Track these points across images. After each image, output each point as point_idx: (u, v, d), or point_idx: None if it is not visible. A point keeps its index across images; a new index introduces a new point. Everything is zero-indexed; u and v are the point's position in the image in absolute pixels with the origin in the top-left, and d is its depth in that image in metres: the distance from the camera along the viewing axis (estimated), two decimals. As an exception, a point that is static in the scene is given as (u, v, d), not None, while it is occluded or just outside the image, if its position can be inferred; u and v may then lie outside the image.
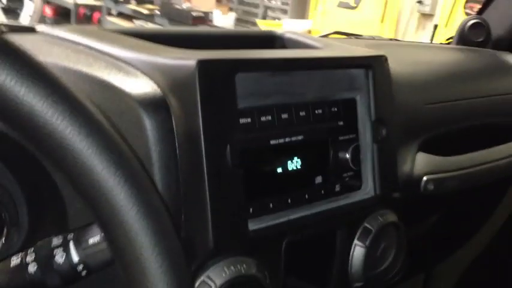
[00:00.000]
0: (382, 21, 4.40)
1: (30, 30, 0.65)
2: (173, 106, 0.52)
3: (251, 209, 0.59)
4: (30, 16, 5.39)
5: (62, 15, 6.73)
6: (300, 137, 0.64)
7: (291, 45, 0.81)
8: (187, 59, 0.53)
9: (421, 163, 0.84)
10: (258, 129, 0.60)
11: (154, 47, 0.58)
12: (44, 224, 0.58)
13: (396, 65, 0.89)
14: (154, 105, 0.52)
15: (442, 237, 1.28)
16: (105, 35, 0.62)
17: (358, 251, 0.69)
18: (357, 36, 1.25)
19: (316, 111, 0.66)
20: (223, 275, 0.54)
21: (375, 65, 0.70)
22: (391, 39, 1.30)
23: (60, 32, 0.62)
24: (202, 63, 0.52)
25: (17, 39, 0.63)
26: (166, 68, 0.54)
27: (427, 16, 4.39)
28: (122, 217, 0.35)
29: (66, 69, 0.53)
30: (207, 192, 0.52)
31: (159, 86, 0.53)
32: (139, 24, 5.08)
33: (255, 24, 4.98)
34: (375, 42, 1.10)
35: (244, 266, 0.55)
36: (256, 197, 0.60)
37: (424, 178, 0.83)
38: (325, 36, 1.22)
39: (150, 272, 0.36)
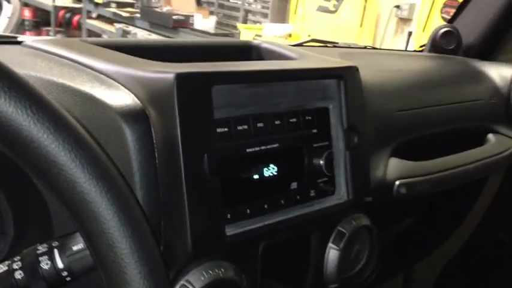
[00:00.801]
0: (361, 26, 4.46)
1: (14, 42, 0.67)
2: (152, 117, 0.55)
3: (229, 215, 0.62)
4: (8, 18, 5.33)
5: (41, 18, 6.68)
6: (275, 145, 0.67)
7: (267, 55, 0.84)
8: (166, 73, 0.55)
9: (393, 168, 0.88)
10: (235, 138, 0.62)
11: (134, 60, 0.60)
12: (29, 231, 0.60)
13: (368, 73, 0.92)
14: (134, 116, 0.54)
15: (418, 239, 1.32)
16: (87, 48, 0.64)
17: (332, 253, 0.72)
18: (333, 43, 1.28)
19: (291, 120, 0.69)
20: (202, 278, 0.56)
21: (346, 75, 0.73)
22: (366, 47, 1.33)
23: (43, 44, 0.64)
24: (180, 77, 0.55)
25: (1, 51, 0.65)
26: (146, 81, 0.56)
27: (405, 21, 4.47)
28: (103, 226, 0.38)
29: (50, 82, 0.55)
30: (185, 200, 0.55)
31: (139, 98, 0.56)
32: (119, 27, 5.07)
33: (235, 27, 5.01)
34: (349, 51, 1.14)
35: (222, 269, 0.58)
36: (233, 203, 0.62)
37: (397, 182, 0.87)
38: (302, 44, 1.25)
39: (130, 277, 0.39)
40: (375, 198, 0.84)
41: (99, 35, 5.71)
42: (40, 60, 0.61)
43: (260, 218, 0.65)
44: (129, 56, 0.62)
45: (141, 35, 4.68)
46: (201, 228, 0.56)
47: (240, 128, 0.63)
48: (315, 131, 0.72)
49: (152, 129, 0.55)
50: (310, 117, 0.71)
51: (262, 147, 0.66)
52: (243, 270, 0.61)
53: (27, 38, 0.66)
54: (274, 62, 0.79)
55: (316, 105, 0.71)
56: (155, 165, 0.55)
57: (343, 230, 0.72)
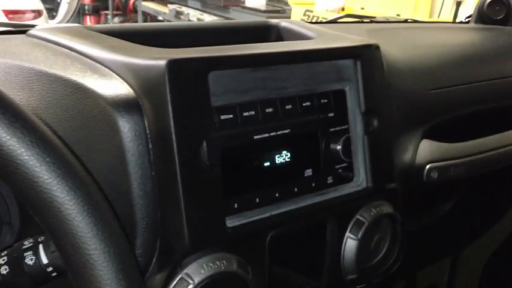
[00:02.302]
0: (417, -3, 4.26)
1: (21, 32, 0.67)
2: (145, 107, 0.53)
3: (236, 205, 0.59)
4: (67, 3, 5.48)
5: (100, 2, 6.85)
6: (286, 131, 0.64)
7: (286, 35, 0.80)
8: (157, 59, 0.53)
9: (424, 151, 0.82)
10: (241, 125, 0.60)
11: (130, 47, 0.59)
12: (35, 222, 0.61)
13: (399, 50, 0.87)
14: (127, 106, 0.52)
15: (462, 223, 1.25)
16: (88, 35, 0.62)
17: (350, 243, 0.68)
18: (370, 18, 1.22)
19: (304, 104, 0.65)
20: (202, 271, 0.55)
21: (363, 54, 0.68)
22: (407, 21, 1.26)
23: (46, 33, 0.64)
24: (172, 63, 0.52)
25: (5, 42, 0.65)
26: (138, 69, 0.54)
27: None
28: (65, 226, 0.36)
29: (42, 73, 0.54)
30: (181, 191, 0.53)
31: (131, 87, 0.54)
32: (172, 8, 5.11)
33: (287, 4, 4.92)
34: (382, 26, 1.07)
35: (224, 262, 0.56)
36: (239, 193, 0.60)
37: (427, 166, 0.81)
38: (336, 20, 1.20)
39: (98, 279, 0.37)
40: (403, 184, 0.79)
41: (154, 17, 5.79)
42: (38, 49, 0.60)
43: (268, 208, 0.62)
44: (129, 43, 0.60)
45: (193, 15, 4.69)
46: (199, 220, 0.54)
47: (246, 114, 0.60)
48: (331, 114, 0.68)
49: (145, 119, 0.53)
50: (325, 101, 0.67)
51: (272, 134, 0.63)
52: (248, 262, 0.59)
53: (35, 30, 0.65)
54: (284, 43, 0.75)
55: (331, 87, 0.67)
56: (149, 156, 0.53)
57: (362, 219, 0.68)
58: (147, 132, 0.53)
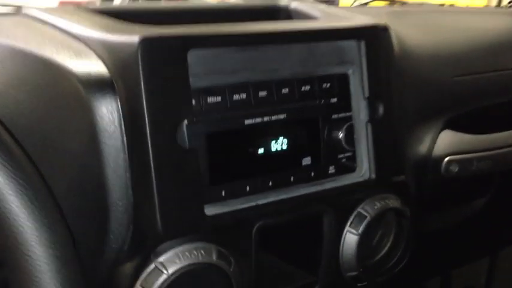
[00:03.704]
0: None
1: (15, 12, 0.66)
2: (119, 86, 0.51)
3: (223, 192, 0.56)
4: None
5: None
6: (282, 116, 0.60)
7: (296, 17, 0.76)
8: (130, 35, 0.50)
9: (444, 142, 0.77)
10: (230, 108, 0.56)
11: (111, 24, 0.56)
12: None
13: (421, 35, 0.81)
14: (99, 85, 0.50)
15: (501, 221, 1.17)
16: (78, 14, 0.60)
17: (349, 238, 0.64)
18: (402, 2, 1.15)
19: (303, 88, 0.61)
20: (177, 261, 0.52)
21: (367, 35, 0.63)
22: (443, 5, 1.18)
23: (39, 13, 0.62)
24: (145, 40, 0.49)
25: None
26: (113, 46, 0.52)
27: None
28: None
29: (16, 51, 0.53)
30: (153, 174, 0.50)
31: (106, 65, 0.51)
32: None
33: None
34: (409, 9, 1.01)
35: (203, 252, 0.53)
36: (229, 180, 0.57)
37: (446, 159, 0.76)
38: (367, 3, 1.14)
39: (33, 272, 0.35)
40: (417, 178, 0.74)
41: None
42: (22, 28, 0.59)
43: (259, 196, 0.58)
44: (115, 21, 0.58)
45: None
46: (173, 205, 0.52)
47: (236, 97, 0.57)
48: (333, 100, 0.63)
49: (118, 100, 0.50)
50: (327, 85, 0.63)
51: (266, 119, 0.59)
52: (232, 254, 0.55)
53: (30, 9, 0.64)
54: (278, 22, 0.70)
55: (332, 70, 0.63)
56: (122, 139, 0.51)
57: (364, 212, 0.64)
58: (120, 112, 0.51)
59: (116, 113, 0.50)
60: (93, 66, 0.51)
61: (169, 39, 0.51)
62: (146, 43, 0.49)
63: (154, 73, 0.50)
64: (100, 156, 0.50)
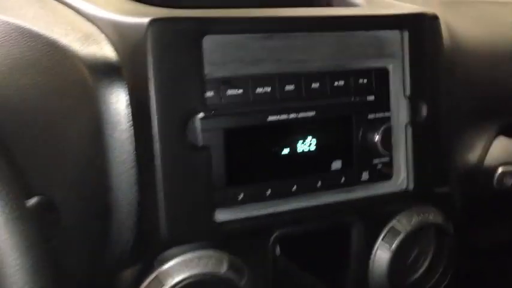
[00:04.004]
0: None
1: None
2: (129, 73, 0.46)
3: (241, 196, 0.51)
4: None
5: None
6: (310, 113, 0.54)
7: (337, 3, 0.69)
8: (141, 17, 0.45)
9: (497, 150, 0.68)
10: (253, 102, 0.51)
11: (125, 5, 0.51)
12: None
13: (477, 27, 0.72)
14: (106, 71, 0.46)
15: None
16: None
17: (381, 254, 0.57)
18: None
19: (336, 83, 0.54)
20: (182, 270, 0.47)
21: (412, 25, 0.55)
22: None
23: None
24: (156, 22, 0.44)
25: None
26: (124, 28, 0.47)
27: None
28: None
29: (27, 32, 0.48)
30: (160, 173, 0.45)
31: (116, 50, 0.47)
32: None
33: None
34: (468, 1, 0.91)
35: (211, 261, 0.48)
36: (247, 183, 0.51)
37: (500, 169, 0.67)
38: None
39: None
40: (465, 190, 0.66)
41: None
42: (35, 7, 0.54)
43: (280, 202, 0.52)
44: (131, 2, 0.53)
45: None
46: (180, 209, 0.46)
47: (260, 90, 0.51)
48: (369, 98, 0.56)
49: (127, 88, 0.46)
50: (364, 80, 0.56)
51: (292, 116, 0.53)
52: (245, 265, 0.50)
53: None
54: (308, 9, 0.63)
55: (369, 64, 0.56)
56: (130, 133, 0.46)
57: (399, 227, 0.57)
58: (128, 102, 0.46)
59: (123, 102, 0.46)
60: (101, 50, 0.47)
61: (182, 21, 0.45)
62: (157, 25, 0.44)
63: (165, 59, 0.45)
64: (103, 150, 0.46)
